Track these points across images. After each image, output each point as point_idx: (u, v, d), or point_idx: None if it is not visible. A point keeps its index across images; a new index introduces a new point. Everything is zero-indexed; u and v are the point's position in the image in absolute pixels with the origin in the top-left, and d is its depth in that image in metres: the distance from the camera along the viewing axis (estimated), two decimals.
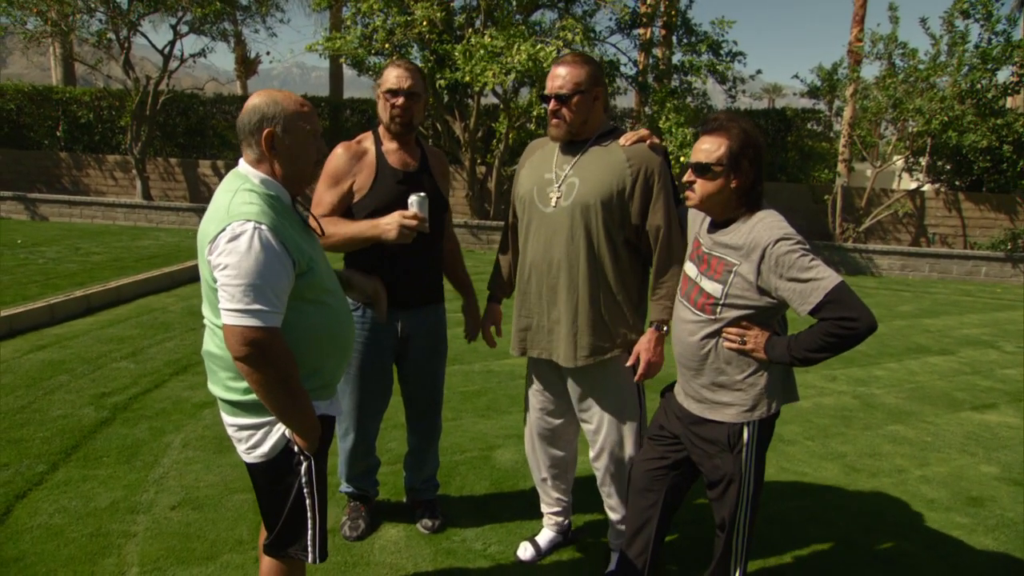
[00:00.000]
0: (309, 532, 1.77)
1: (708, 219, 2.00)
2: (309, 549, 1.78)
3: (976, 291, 9.02)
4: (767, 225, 1.82)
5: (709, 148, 1.86)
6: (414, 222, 2.22)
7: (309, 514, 1.76)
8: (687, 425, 2.04)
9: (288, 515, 1.75)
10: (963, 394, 4.72)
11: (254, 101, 1.67)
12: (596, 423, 2.34)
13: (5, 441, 3.31)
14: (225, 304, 1.55)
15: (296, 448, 1.71)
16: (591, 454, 2.42)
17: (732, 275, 1.85)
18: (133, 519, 2.71)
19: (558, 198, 2.23)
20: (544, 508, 2.66)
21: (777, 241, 1.76)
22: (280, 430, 1.70)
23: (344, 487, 2.76)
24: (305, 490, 1.74)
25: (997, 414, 4.35)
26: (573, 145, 2.27)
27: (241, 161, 1.71)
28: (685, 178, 1.92)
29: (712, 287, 1.90)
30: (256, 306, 1.53)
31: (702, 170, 1.86)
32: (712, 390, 1.95)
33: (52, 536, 2.57)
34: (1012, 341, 6.31)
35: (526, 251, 2.33)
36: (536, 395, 2.49)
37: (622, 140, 2.22)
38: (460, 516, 2.86)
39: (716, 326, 1.91)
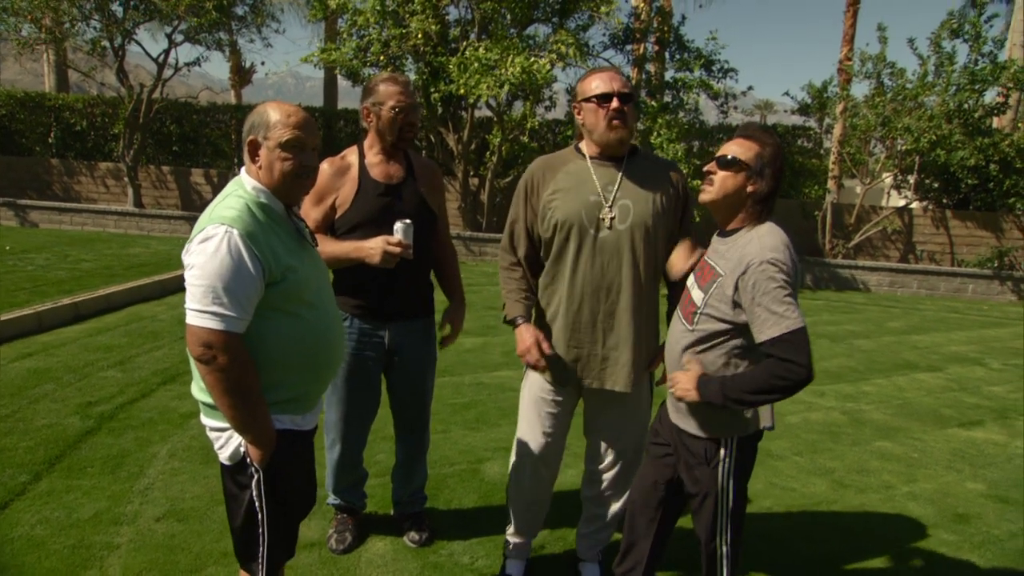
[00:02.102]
0: (260, 549, 1.75)
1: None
2: (259, 569, 1.76)
3: (963, 308, 9.11)
4: (762, 244, 1.78)
5: (740, 148, 1.86)
6: (398, 249, 2.24)
7: (260, 530, 1.74)
8: (675, 433, 2.05)
9: (242, 527, 1.75)
10: (950, 411, 4.76)
11: (252, 111, 1.74)
12: (615, 437, 2.34)
13: None
14: (187, 303, 1.60)
15: (249, 459, 1.71)
16: (594, 466, 2.42)
17: (714, 285, 1.86)
18: (116, 531, 2.68)
19: (612, 219, 2.15)
20: (518, 539, 2.55)
21: (764, 262, 1.73)
22: (238, 438, 1.70)
23: (331, 499, 2.75)
24: (256, 504, 1.72)
25: (983, 431, 4.38)
26: (608, 164, 2.20)
27: (242, 168, 1.76)
28: (706, 169, 1.88)
29: (696, 295, 1.91)
30: (214, 308, 1.56)
31: (728, 163, 1.85)
32: (691, 404, 1.93)
33: (33, 547, 2.54)
34: (998, 358, 6.36)
35: (574, 278, 2.19)
36: (550, 419, 2.35)
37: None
38: (448, 529, 2.84)
39: (693, 336, 1.90)
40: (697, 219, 2.19)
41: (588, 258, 2.17)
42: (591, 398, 2.35)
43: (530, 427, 2.39)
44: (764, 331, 1.72)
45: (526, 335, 2.23)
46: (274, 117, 1.68)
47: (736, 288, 1.78)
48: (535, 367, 2.25)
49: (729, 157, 1.84)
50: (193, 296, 1.58)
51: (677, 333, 1.98)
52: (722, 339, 1.85)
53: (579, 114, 2.20)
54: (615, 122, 2.09)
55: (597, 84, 2.10)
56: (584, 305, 2.20)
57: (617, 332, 2.19)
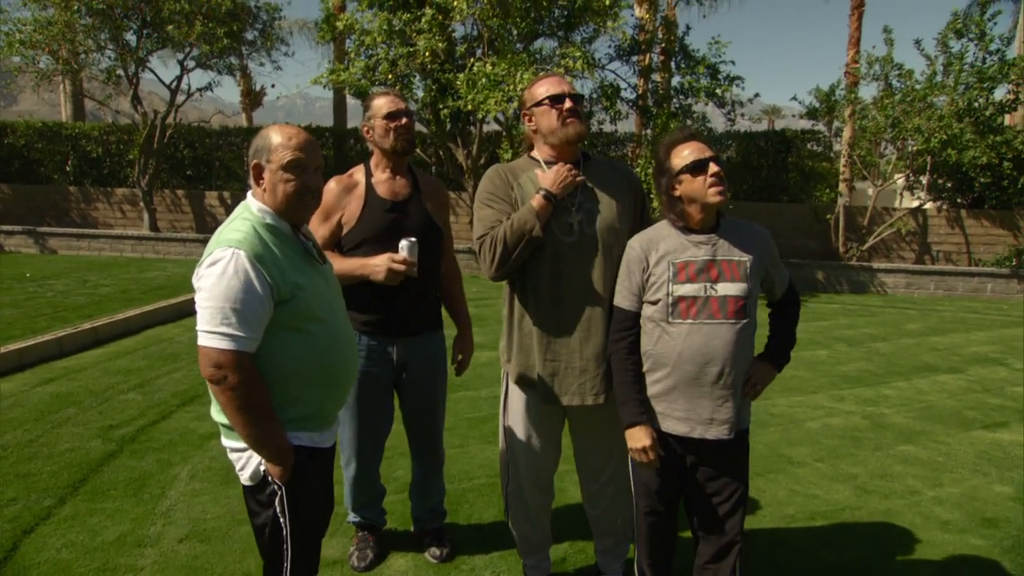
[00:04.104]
0: (284, 565, 1.76)
1: (675, 238, 1.97)
2: None
3: (982, 308, 8.99)
4: (750, 224, 2.05)
5: (708, 149, 1.94)
6: (402, 266, 2.26)
7: (285, 546, 1.76)
8: (698, 455, 2.02)
9: (269, 544, 1.77)
10: (973, 413, 4.68)
11: (257, 135, 1.78)
12: (606, 453, 2.31)
13: (13, 475, 3.31)
14: (198, 325, 1.63)
15: (269, 478, 1.73)
16: (593, 486, 2.39)
17: (749, 271, 1.95)
18: (140, 553, 2.70)
19: (580, 223, 2.12)
20: (531, 558, 2.52)
21: (767, 235, 2.05)
22: (258, 458, 1.72)
23: (351, 517, 2.75)
24: (280, 520, 1.74)
25: (1009, 432, 4.31)
26: None
27: (249, 192, 1.80)
28: (711, 171, 1.89)
29: (739, 288, 1.93)
30: (223, 328, 1.59)
31: (720, 162, 1.94)
32: (740, 398, 1.99)
33: (59, 571, 2.57)
34: (1021, 358, 6.26)
35: (547, 287, 2.13)
36: (539, 439, 2.30)
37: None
38: (469, 544, 2.83)
39: (748, 329, 1.97)
40: (656, 215, 2.20)
41: (559, 265, 2.12)
42: (576, 416, 2.30)
43: (519, 448, 2.34)
44: (783, 283, 2.11)
45: (549, 175, 2.12)
46: (276, 140, 1.72)
47: (765, 264, 2.02)
48: (576, 172, 2.12)
49: (717, 156, 1.95)
50: (203, 318, 1.62)
51: (734, 336, 1.91)
52: (753, 312, 2.00)
53: (530, 121, 2.20)
54: (570, 119, 2.11)
55: (547, 88, 2.15)
56: (559, 315, 2.13)
57: (592, 341, 2.13)
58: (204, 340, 1.61)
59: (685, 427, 1.98)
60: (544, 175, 2.13)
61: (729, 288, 1.92)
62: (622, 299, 2.05)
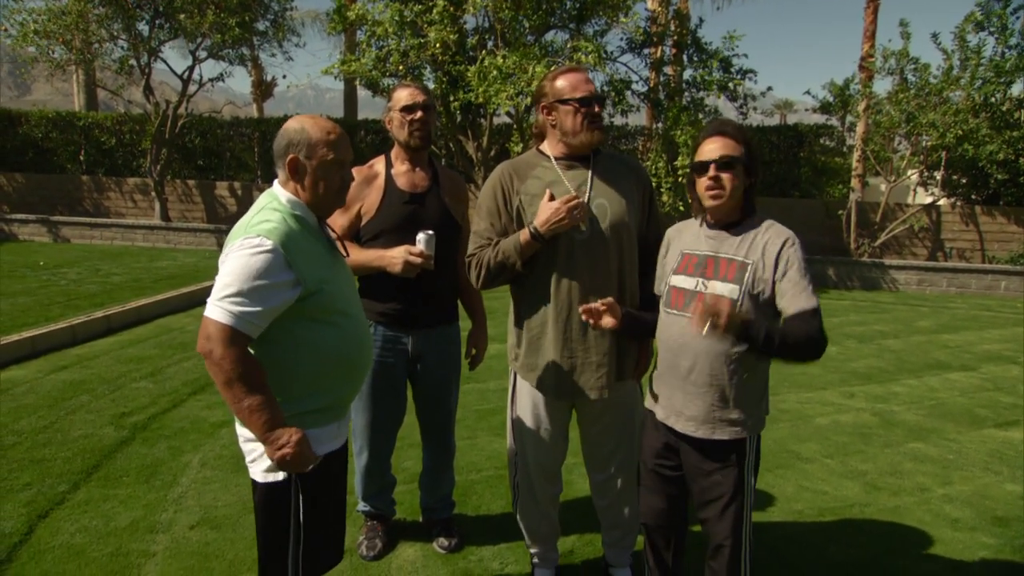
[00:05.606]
0: (288, 563, 1.75)
1: (694, 230, 2.01)
2: None
3: (996, 306, 8.90)
4: (781, 229, 1.90)
5: (728, 147, 1.87)
6: (419, 259, 2.27)
7: (290, 546, 1.74)
8: (686, 446, 2.01)
9: (276, 543, 1.74)
10: (985, 411, 4.65)
11: (287, 126, 1.75)
12: (614, 443, 2.32)
13: (28, 461, 3.36)
14: (210, 296, 1.64)
15: (282, 476, 1.71)
16: (600, 476, 2.39)
17: (748, 273, 1.85)
18: (152, 539, 2.74)
19: (591, 220, 2.13)
20: (538, 548, 2.53)
21: (796, 242, 1.86)
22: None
23: (361, 506, 2.77)
24: (289, 520, 1.73)
25: (1021, 431, 4.27)
26: (577, 165, 2.18)
27: (275, 181, 1.79)
28: (709, 174, 1.87)
29: (728, 289, 1.86)
30: (225, 304, 1.60)
31: (730, 164, 1.86)
32: (721, 407, 1.91)
33: (73, 556, 2.60)
34: None
35: (560, 285, 2.13)
36: (549, 431, 2.31)
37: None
38: (477, 535, 2.85)
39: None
40: (667, 209, 2.21)
41: (572, 262, 2.12)
42: (583, 408, 2.32)
43: (528, 441, 2.34)
44: (797, 302, 1.79)
45: (547, 209, 2.05)
46: (315, 135, 1.71)
47: (776, 268, 1.84)
48: (576, 213, 2.04)
49: (731, 156, 1.86)
50: (215, 290, 1.63)
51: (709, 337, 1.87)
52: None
53: (549, 115, 2.16)
54: (595, 127, 2.11)
55: (574, 86, 2.10)
56: (571, 310, 2.13)
57: (608, 336, 2.14)
58: (206, 310, 1.63)
59: (663, 412, 2.03)
60: (542, 207, 2.08)
61: (718, 287, 1.87)
62: (654, 282, 2.17)
